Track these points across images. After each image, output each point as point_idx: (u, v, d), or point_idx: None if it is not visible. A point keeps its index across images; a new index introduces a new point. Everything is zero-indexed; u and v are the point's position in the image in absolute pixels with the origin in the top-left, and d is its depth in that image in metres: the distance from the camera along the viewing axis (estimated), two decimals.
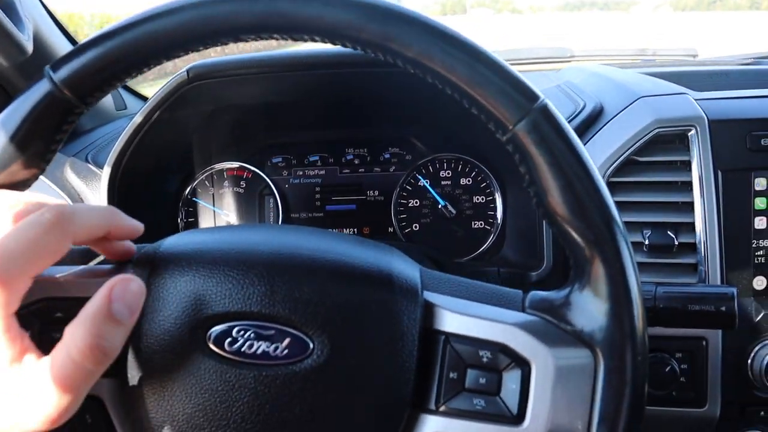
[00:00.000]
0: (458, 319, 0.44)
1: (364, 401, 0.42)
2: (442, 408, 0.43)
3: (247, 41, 0.44)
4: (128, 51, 0.43)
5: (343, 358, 0.42)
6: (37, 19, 0.93)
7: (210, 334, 0.42)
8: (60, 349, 0.36)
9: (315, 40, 0.43)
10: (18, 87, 0.93)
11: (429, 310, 0.44)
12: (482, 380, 0.43)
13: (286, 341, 0.41)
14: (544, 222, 0.85)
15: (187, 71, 0.82)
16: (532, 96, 0.42)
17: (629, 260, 0.42)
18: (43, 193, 0.89)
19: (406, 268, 0.46)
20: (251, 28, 0.42)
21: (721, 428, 0.79)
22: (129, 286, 0.39)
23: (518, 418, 0.43)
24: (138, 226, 0.45)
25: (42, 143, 0.45)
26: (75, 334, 0.36)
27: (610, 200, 0.42)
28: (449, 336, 0.44)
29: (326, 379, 0.41)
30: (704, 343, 0.77)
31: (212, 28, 0.42)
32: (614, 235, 0.42)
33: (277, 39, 0.43)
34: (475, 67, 0.41)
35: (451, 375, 0.43)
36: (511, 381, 0.43)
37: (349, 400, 0.42)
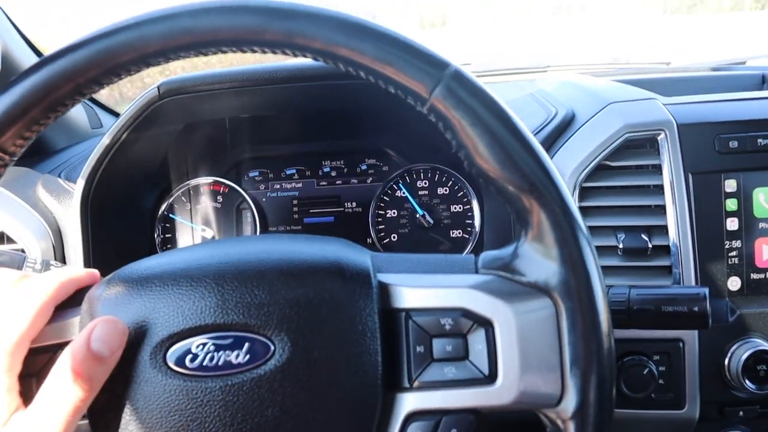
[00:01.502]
0: (414, 292, 0.44)
1: (336, 392, 0.42)
2: (415, 384, 0.43)
3: (158, 65, 0.44)
4: (40, 95, 0.42)
5: (306, 354, 0.42)
6: (5, 36, 0.92)
7: (170, 355, 0.42)
8: (45, 391, 0.39)
9: (224, 51, 0.43)
10: None
11: (384, 290, 0.45)
12: (449, 348, 0.43)
13: (246, 346, 0.41)
14: None
15: (158, 87, 0.82)
16: (442, 63, 0.42)
17: (568, 200, 0.43)
18: (17, 213, 0.88)
19: (354, 255, 0.47)
20: (159, 51, 0.42)
21: (700, 429, 0.80)
22: (108, 325, 0.41)
23: (491, 378, 0.43)
24: (94, 274, 0.49)
25: None
26: (59, 375, 0.39)
27: (538, 148, 0.43)
28: (409, 311, 0.44)
29: (293, 377, 0.41)
30: (681, 344, 0.77)
31: (120, 59, 0.42)
32: (548, 179, 0.42)
33: (185, 57, 0.44)
34: (381, 47, 0.42)
35: (418, 349, 0.44)
36: (476, 342, 0.43)
37: (321, 394, 0.42)
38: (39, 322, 0.42)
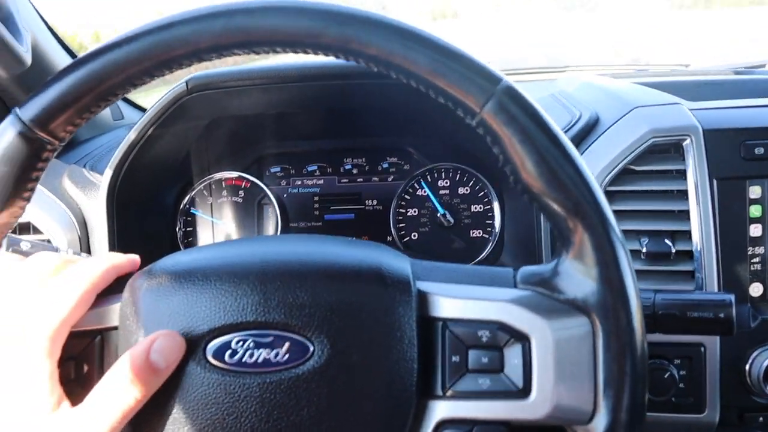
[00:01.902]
0: (453, 303, 0.45)
1: (371, 396, 0.42)
2: (449, 392, 0.44)
3: (211, 60, 0.44)
4: (94, 83, 0.43)
5: (344, 357, 0.42)
6: (35, 30, 0.93)
7: (209, 349, 0.42)
8: (98, 392, 0.39)
9: (277, 52, 0.44)
10: (16, 99, 0.93)
11: (423, 298, 0.45)
12: (484, 359, 0.44)
13: (286, 346, 0.42)
14: (542, 229, 0.86)
15: (186, 82, 0.83)
16: (495, 78, 0.43)
17: (611, 223, 0.43)
18: (43, 203, 0.89)
19: (395, 261, 0.47)
20: (213, 47, 0.43)
21: None
22: (168, 339, 0.41)
23: (524, 392, 0.43)
24: (135, 259, 0.49)
25: (19, 185, 0.45)
26: (114, 378, 0.40)
27: (584, 168, 0.43)
28: (446, 321, 0.45)
29: (330, 379, 0.42)
30: (702, 349, 0.77)
31: (174, 53, 0.43)
32: (593, 202, 0.43)
33: (240, 54, 0.44)
34: (435, 57, 0.42)
35: (454, 359, 0.44)
36: (512, 356, 0.44)
37: (356, 397, 0.42)
38: (81, 308, 0.42)
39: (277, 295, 0.43)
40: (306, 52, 0.43)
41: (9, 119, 0.44)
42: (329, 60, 0.84)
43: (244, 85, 0.84)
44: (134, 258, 0.49)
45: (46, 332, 0.40)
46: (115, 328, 0.45)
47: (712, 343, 0.77)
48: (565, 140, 0.43)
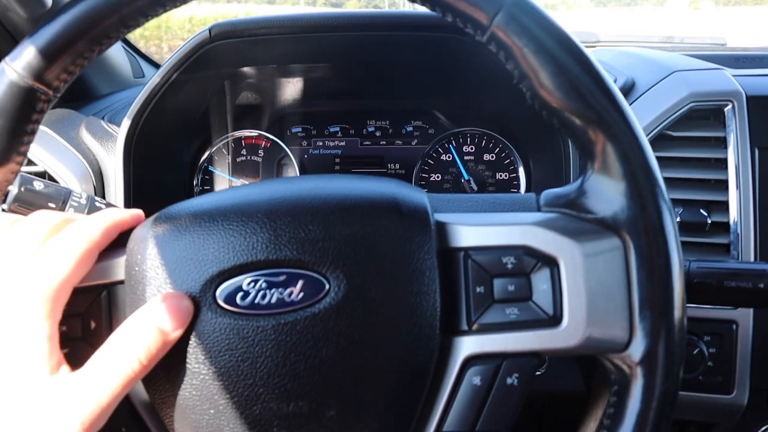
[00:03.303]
0: (474, 231, 0.42)
1: (392, 333, 0.40)
2: (475, 326, 0.41)
3: None
4: (85, 27, 0.41)
5: (361, 292, 0.40)
6: None
7: (219, 293, 0.40)
8: (101, 357, 0.37)
9: None
10: None
11: (442, 229, 0.42)
12: (511, 288, 0.41)
13: (300, 284, 0.39)
14: None
15: (210, 30, 0.80)
16: None
17: (638, 132, 0.40)
18: (59, 153, 0.87)
19: (411, 193, 0.44)
20: None
21: (747, 417, 0.77)
22: (174, 301, 0.39)
23: (556, 319, 0.41)
24: (138, 213, 0.46)
25: (15, 138, 0.43)
26: (118, 343, 0.38)
27: (604, 76, 0.40)
28: (468, 250, 0.42)
29: (348, 317, 0.39)
30: (734, 326, 0.74)
31: None
32: (616, 109, 0.40)
33: None
34: None
35: (478, 289, 0.41)
36: (541, 282, 0.41)
37: (377, 334, 0.40)
38: (82, 267, 0.40)
39: (288, 230, 0.40)
40: None
41: (3, 74, 0.42)
42: (355, 10, 0.82)
43: (268, 33, 0.81)
44: (138, 212, 0.46)
45: (45, 293, 0.38)
46: (122, 281, 0.43)
47: (746, 321, 0.74)
48: (582, 48, 0.40)
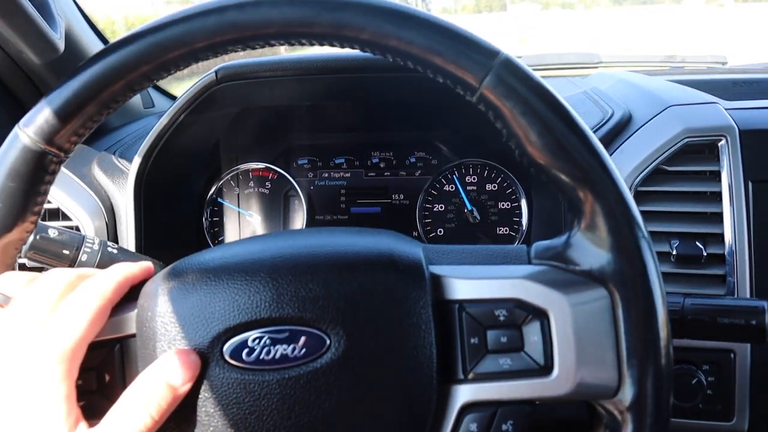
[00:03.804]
0: (467, 284, 0.44)
1: (391, 384, 0.42)
2: (470, 375, 0.43)
3: (208, 59, 0.44)
4: (93, 92, 0.43)
5: (361, 347, 0.42)
6: (69, 17, 0.94)
7: (226, 349, 0.42)
8: (116, 413, 0.39)
9: (272, 45, 0.43)
10: (49, 85, 0.94)
11: (437, 282, 0.44)
12: (503, 339, 0.43)
13: (302, 340, 0.42)
14: None
15: (216, 72, 0.83)
16: (491, 52, 0.42)
17: (623, 190, 0.42)
18: (72, 190, 0.90)
19: (406, 247, 0.46)
20: (207, 47, 0.42)
21: None
22: (183, 357, 0.41)
23: (547, 369, 0.42)
24: (148, 267, 0.48)
25: (28, 200, 0.45)
26: (131, 400, 0.40)
27: (590, 135, 0.42)
28: (462, 303, 0.44)
29: (349, 370, 0.41)
30: (732, 355, 0.75)
31: (171, 55, 0.42)
32: (601, 168, 0.41)
33: (235, 51, 0.44)
34: (430, 36, 0.41)
35: (473, 340, 0.43)
36: (532, 333, 0.43)
37: (376, 387, 0.42)
38: (97, 324, 0.42)
39: (290, 289, 0.42)
40: (301, 44, 0.43)
41: (13, 134, 0.44)
42: (358, 52, 0.84)
43: (273, 75, 0.84)
44: (147, 265, 0.48)
45: (62, 353, 0.39)
46: (134, 335, 0.45)
47: (743, 350, 0.76)
48: (568, 108, 0.42)
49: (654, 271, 0.42)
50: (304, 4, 0.41)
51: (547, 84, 0.42)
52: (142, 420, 0.39)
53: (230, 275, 0.43)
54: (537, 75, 0.42)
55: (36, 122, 0.43)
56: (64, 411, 0.39)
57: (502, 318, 0.43)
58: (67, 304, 0.42)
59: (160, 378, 0.40)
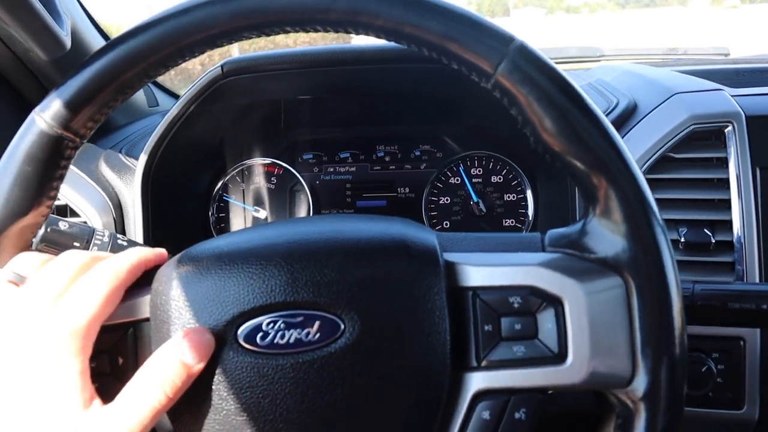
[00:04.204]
0: (482, 271, 0.44)
1: (405, 370, 0.42)
2: (483, 363, 0.43)
3: (223, 46, 0.44)
4: (110, 77, 0.43)
5: (375, 332, 0.42)
6: (73, 15, 0.94)
7: (240, 333, 0.42)
8: (130, 391, 0.39)
9: (287, 31, 0.43)
10: (54, 82, 0.94)
11: (451, 269, 0.44)
12: (517, 326, 0.43)
13: (317, 325, 0.42)
14: (577, 216, 0.84)
15: (222, 66, 0.83)
16: (507, 38, 0.42)
17: (638, 176, 0.42)
18: (80, 187, 0.90)
19: (420, 233, 0.46)
20: (225, 32, 0.42)
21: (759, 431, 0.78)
22: (197, 336, 0.41)
23: (560, 357, 0.42)
24: (162, 253, 0.49)
25: (44, 184, 0.46)
26: (145, 378, 0.40)
27: (605, 122, 0.42)
28: (476, 290, 0.44)
29: (363, 355, 0.41)
30: (742, 343, 0.75)
31: (188, 40, 0.43)
32: (616, 154, 0.41)
33: (251, 38, 0.44)
34: (446, 23, 0.41)
35: (486, 328, 0.43)
36: (546, 321, 0.43)
37: (390, 372, 0.42)
38: (110, 305, 0.42)
39: (305, 274, 0.42)
40: (316, 30, 0.43)
41: (30, 119, 0.44)
42: (363, 44, 0.84)
43: (279, 68, 0.84)
44: (161, 251, 0.49)
45: (76, 330, 0.40)
46: (147, 319, 0.45)
47: (753, 337, 0.75)
48: (583, 95, 0.42)
49: (669, 258, 0.41)
50: None
51: (562, 71, 0.42)
52: (156, 396, 0.39)
53: (245, 260, 0.43)
54: (552, 61, 0.42)
55: (53, 108, 0.44)
56: (78, 387, 0.39)
57: (516, 305, 0.43)
58: (82, 284, 0.42)
59: (175, 356, 0.40)
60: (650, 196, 0.42)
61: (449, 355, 0.42)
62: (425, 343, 0.42)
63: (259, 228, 0.49)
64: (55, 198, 0.48)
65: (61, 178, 0.47)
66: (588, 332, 0.42)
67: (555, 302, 0.43)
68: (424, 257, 0.44)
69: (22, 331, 0.40)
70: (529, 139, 0.43)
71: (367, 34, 0.42)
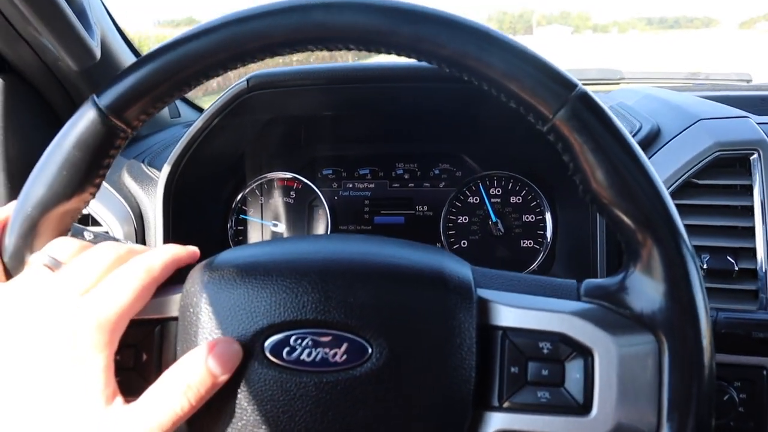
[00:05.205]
0: (514, 312, 0.44)
1: (427, 402, 0.41)
2: (506, 404, 0.42)
3: (283, 55, 0.45)
4: (169, 73, 0.44)
5: (402, 361, 0.41)
6: (103, 26, 0.96)
7: (267, 345, 0.42)
8: (153, 393, 0.39)
9: (350, 48, 0.43)
10: (83, 93, 0.96)
11: (484, 306, 0.44)
12: (545, 372, 0.42)
13: (344, 347, 0.41)
14: (597, 241, 0.84)
15: (247, 80, 0.84)
16: (570, 84, 0.41)
17: (683, 239, 0.41)
18: (103, 196, 0.91)
19: (457, 267, 0.46)
20: (286, 42, 0.43)
21: None
22: (226, 346, 0.41)
23: (585, 408, 0.42)
24: (195, 251, 0.49)
25: (91, 170, 0.46)
26: (170, 381, 0.40)
27: (658, 180, 0.41)
28: (507, 330, 0.43)
29: (387, 383, 0.41)
30: (765, 372, 0.74)
31: (249, 46, 0.43)
32: (666, 215, 0.41)
33: (312, 50, 0.44)
34: (509, 60, 0.41)
35: (513, 369, 0.43)
36: (574, 371, 0.42)
37: (412, 403, 0.41)
38: (141, 299, 0.42)
39: (338, 294, 0.42)
40: (378, 51, 0.43)
41: (86, 105, 0.45)
42: (386, 62, 0.85)
43: (303, 84, 0.85)
44: (194, 250, 0.49)
45: (105, 323, 0.40)
46: (175, 318, 0.45)
47: None
48: (639, 150, 0.42)
49: (706, 324, 0.41)
50: (387, 12, 0.41)
51: (620, 124, 0.42)
52: (180, 402, 0.39)
53: (280, 272, 0.43)
54: (611, 114, 0.42)
55: (110, 96, 0.44)
56: (102, 381, 0.39)
57: (545, 351, 0.43)
58: (115, 276, 0.42)
59: (202, 364, 0.40)
60: (694, 261, 0.41)
61: (472, 392, 0.42)
62: (450, 377, 0.41)
63: (295, 240, 0.49)
64: (99, 186, 0.48)
65: (108, 166, 0.47)
66: (616, 387, 0.41)
67: (585, 353, 0.42)
68: (459, 291, 0.43)
69: (52, 317, 0.40)
70: (579, 186, 0.43)
71: (429, 61, 0.43)
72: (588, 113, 0.41)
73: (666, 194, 0.41)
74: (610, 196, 0.41)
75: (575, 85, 0.42)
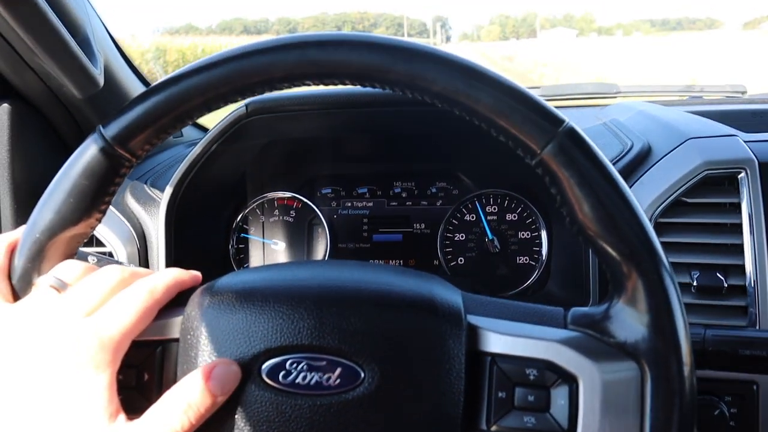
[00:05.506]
0: (503, 339, 0.45)
1: (417, 425, 0.43)
2: (493, 428, 0.44)
3: (282, 89, 0.47)
4: (173, 106, 0.46)
5: (393, 385, 0.43)
6: (107, 53, 0.98)
7: (264, 368, 0.43)
8: (155, 412, 0.41)
9: (345, 83, 0.46)
10: (88, 118, 0.98)
11: (473, 332, 0.45)
12: (531, 398, 0.44)
13: (338, 371, 0.43)
14: (590, 259, 0.85)
15: (246, 106, 0.86)
16: (557, 120, 0.43)
17: (667, 271, 0.43)
18: (106, 217, 0.93)
19: (448, 293, 0.48)
20: (286, 77, 0.45)
21: None
22: (225, 367, 0.43)
23: None
24: (197, 275, 0.51)
25: (97, 197, 0.48)
26: (171, 401, 0.41)
27: (642, 214, 0.43)
28: (495, 356, 0.45)
29: (378, 406, 0.43)
30: (755, 387, 0.75)
31: (250, 80, 0.45)
32: (650, 248, 0.43)
33: (307, 85, 0.46)
34: (498, 97, 0.43)
35: (500, 394, 0.44)
36: (559, 397, 0.43)
37: (402, 425, 0.43)
38: (144, 321, 0.44)
39: (332, 320, 0.44)
40: (374, 86, 0.45)
41: (93, 136, 0.47)
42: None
43: (300, 109, 0.87)
44: (196, 274, 0.51)
45: (108, 342, 0.41)
46: (176, 340, 0.46)
47: (765, 381, 0.75)
48: (624, 186, 0.43)
49: (687, 354, 0.43)
50: (382, 50, 0.43)
51: (606, 160, 0.44)
52: (180, 422, 0.40)
53: (277, 298, 0.45)
54: (598, 149, 0.44)
55: (116, 127, 0.46)
56: (106, 398, 0.40)
57: (532, 377, 0.44)
58: (119, 298, 0.44)
59: (203, 384, 0.42)
60: (677, 293, 0.43)
61: (461, 416, 0.43)
62: (439, 401, 0.43)
63: (293, 267, 0.51)
64: (104, 212, 0.50)
65: (113, 193, 0.49)
66: (599, 413, 0.43)
67: (570, 380, 0.43)
68: (449, 318, 0.45)
69: (57, 337, 0.42)
70: (565, 219, 0.45)
71: (422, 98, 0.44)
72: (574, 148, 0.43)
73: (649, 227, 0.43)
74: (595, 229, 0.43)
75: (562, 121, 0.43)
